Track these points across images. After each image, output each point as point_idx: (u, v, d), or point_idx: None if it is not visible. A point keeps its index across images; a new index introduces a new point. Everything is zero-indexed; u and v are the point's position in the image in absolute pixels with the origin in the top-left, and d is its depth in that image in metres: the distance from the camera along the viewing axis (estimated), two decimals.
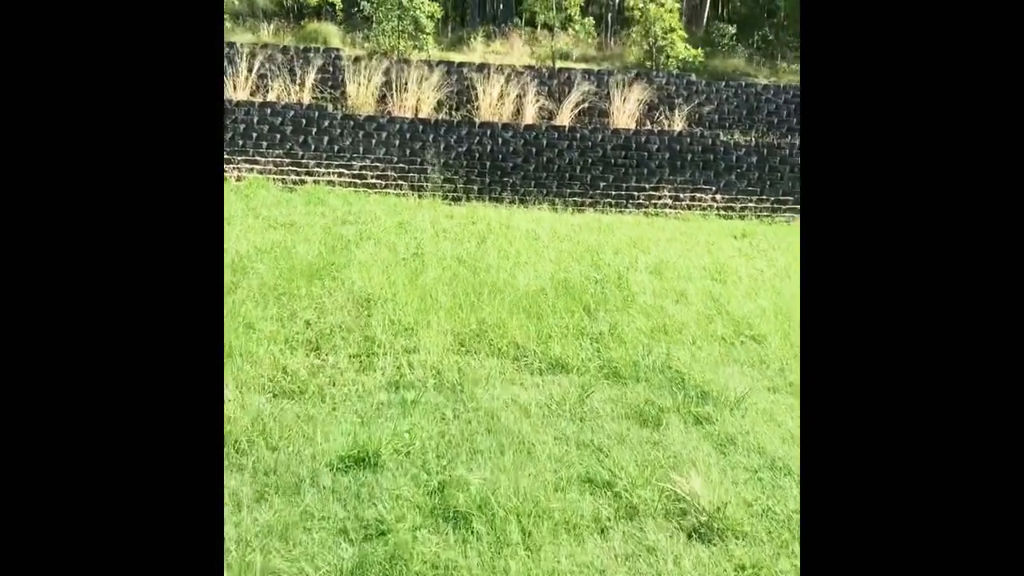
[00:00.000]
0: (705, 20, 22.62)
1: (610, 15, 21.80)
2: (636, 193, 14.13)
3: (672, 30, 17.69)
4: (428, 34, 17.23)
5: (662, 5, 17.62)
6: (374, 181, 13.96)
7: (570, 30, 18.85)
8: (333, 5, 19.80)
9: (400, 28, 16.98)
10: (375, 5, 17.23)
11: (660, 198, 14.14)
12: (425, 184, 13.86)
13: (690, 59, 17.68)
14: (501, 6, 22.64)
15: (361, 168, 14.00)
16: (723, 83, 16.38)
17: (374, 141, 14.15)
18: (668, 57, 17.67)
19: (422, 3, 17.13)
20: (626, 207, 13.98)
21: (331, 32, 19.07)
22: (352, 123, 14.23)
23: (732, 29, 21.68)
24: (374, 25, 17.37)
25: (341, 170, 14.01)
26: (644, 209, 13.99)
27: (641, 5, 17.84)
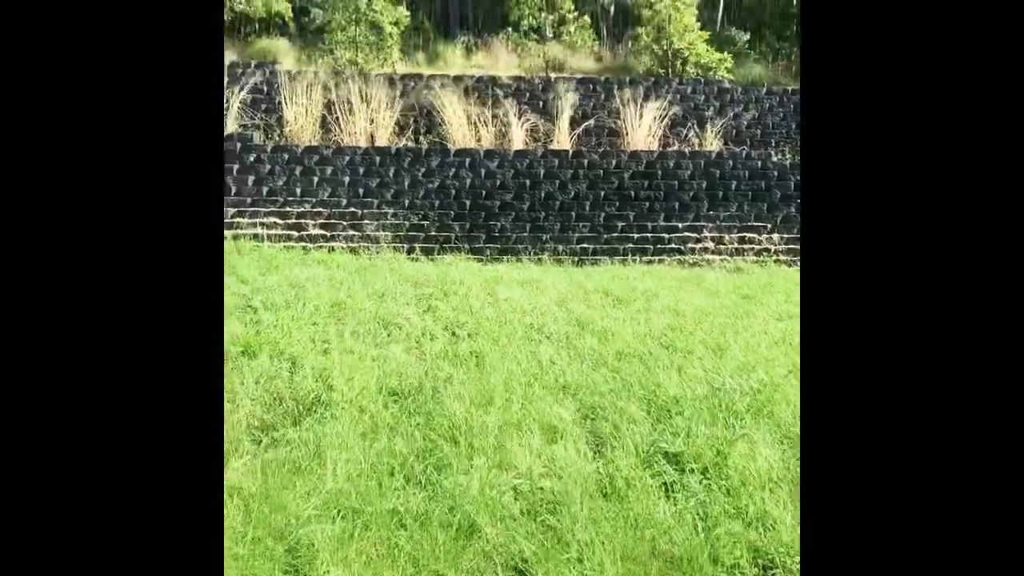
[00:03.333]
0: (719, 22, 18.15)
1: (610, 16, 17.29)
2: (666, 235, 9.63)
3: (690, 30, 13.15)
4: (392, 43, 12.70)
5: None
6: (316, 232, 9.43)
7: (564, 34, 14.19)
8: (283, 17, 15.26)
9: (358, 37, 12.47)
10: (329, 11, 12.77)
11: (699, 240, 9.63)
12: (382, 234, 9.31)
13: (713, 64, 13.12)
14: (482, 16, 18.10)
15: (299, 216, 9.48)
16: (763, 90, 11.87)
17: (316, 179, 9.65)
18: (685, 63, 13.14)
19: (384, 8, 12.63)
20: (654, 254, 9.47)
21: (281, 48, 14.61)
22: (287, 157, 9.72)
23: (745, 35, 17.25)
24: (326, 35, 12.88)
25: (273, 219, 9.49)
26: (679, 256, 9.47)
27: (652, 1, 13.29)
